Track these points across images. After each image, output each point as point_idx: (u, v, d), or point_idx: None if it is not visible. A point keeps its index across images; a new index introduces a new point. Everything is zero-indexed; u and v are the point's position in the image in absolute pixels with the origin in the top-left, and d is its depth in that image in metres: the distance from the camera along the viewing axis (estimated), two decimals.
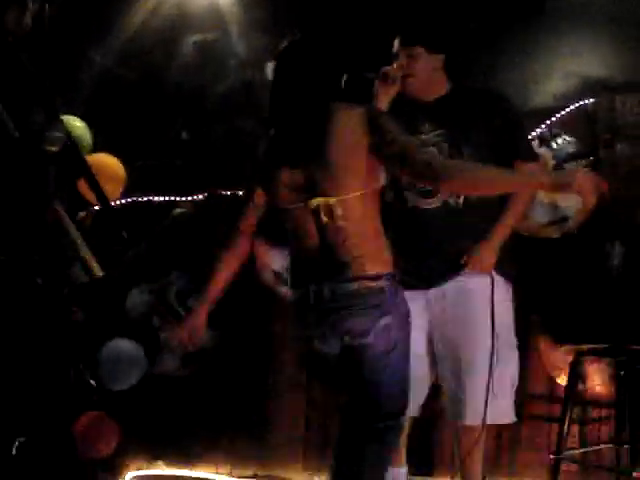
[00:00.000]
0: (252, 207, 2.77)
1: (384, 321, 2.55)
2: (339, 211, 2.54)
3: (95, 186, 3.25)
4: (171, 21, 4.55)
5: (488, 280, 3.13)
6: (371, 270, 2.57)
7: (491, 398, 3.12)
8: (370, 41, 3.67)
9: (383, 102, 3.23)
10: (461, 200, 3.19)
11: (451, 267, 3.15)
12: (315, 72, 2.64)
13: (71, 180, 3.23)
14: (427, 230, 3.19)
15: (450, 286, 3.16)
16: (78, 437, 3.81)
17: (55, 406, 3.56)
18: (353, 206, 2.55)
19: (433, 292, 3.17)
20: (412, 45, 3.25)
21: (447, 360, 3.19)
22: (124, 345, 3.93)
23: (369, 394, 2.60)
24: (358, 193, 2.55)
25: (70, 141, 3.12)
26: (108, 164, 4.04)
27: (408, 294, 2.72)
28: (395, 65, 3.25)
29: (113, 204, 4.21)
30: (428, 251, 3.16)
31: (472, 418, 3.17)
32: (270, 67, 2.74)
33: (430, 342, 3.20)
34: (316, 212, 2.56)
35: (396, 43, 3.30)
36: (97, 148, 4.24)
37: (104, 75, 4.56)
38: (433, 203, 3.22)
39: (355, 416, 2.65)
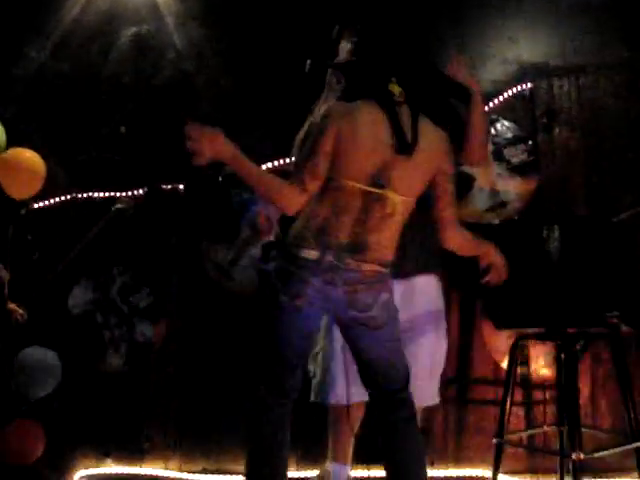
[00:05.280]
0: (323, 168, 2.71)
1: (384, 297, 2.77)
2: (400, 208, 2.73)
3: None
4: (106, 14, 4.48)
5: (432, 281, 3.34)
6: (387, 257, 2.78)
7: (427, 381, 3.29)
8: (318, 34, 3.67)
9: (337, 92, 3.27)
10: None
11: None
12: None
13: None
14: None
15: (398, 285, 3.18)
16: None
17: None
18: (407, 208, 2.77)
19: None
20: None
21: None
22: (38, 353, 3.90)
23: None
24: (415, 199, 2.79)
25: None
26: (23, 159, 3.97)
27: None
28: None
29: (52, 202, 4.18)
30: None
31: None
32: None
33: None
34: (380, 200, 2.69)
35: (346, 34, 3.33)
36: (35, 145, 4.19)
37: (40, 70, 4.48)
38: None
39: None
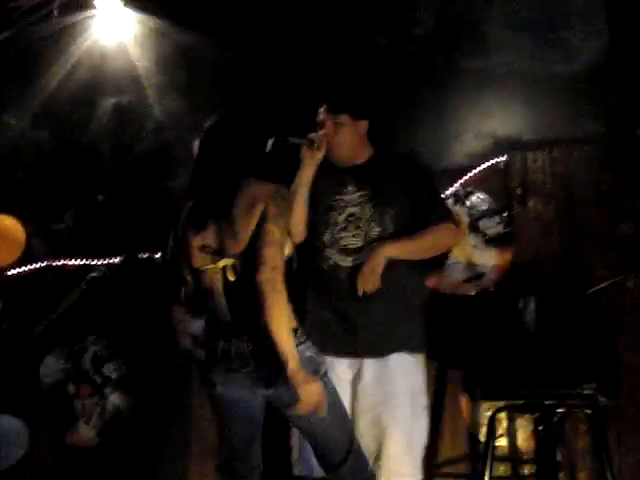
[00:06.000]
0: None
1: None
2: (239, 270, 2.75)
3: None
4: (87, 84, 4.53)
5: (409, 362, 3.28)
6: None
7: (402, 457, 3.22)
8: (295, 108, 3.74)
9: (309, 167, 3.32)
10: None
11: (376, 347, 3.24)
12: (234, 148, 2.85)
13: None
14: (348, 288, 3.22)
15: (371, 362, 3.23)
16: None
17: None
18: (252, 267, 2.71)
19: (355, 361, 3.27)
20: (337, 113, 3.33)
21: (366, 426, 3.22)
22: (4, 422, 3.81)
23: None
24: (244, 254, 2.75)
25: None
26: (4, 226, 3.96)
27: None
28: (321, 132, 3.31)
29: (26, 269, 4.16)
30: (354, 318, 3.24)
31: (388, 476, 3.22)
32: (196, 145, 2.90)
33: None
34: (223, 272, 2.76)
35: (321, 110, 3.37)
36: (10, 211, 4.17)
37: (19, 138, 4.50)
38: (354, 261, 3.26)
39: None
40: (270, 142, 3.15)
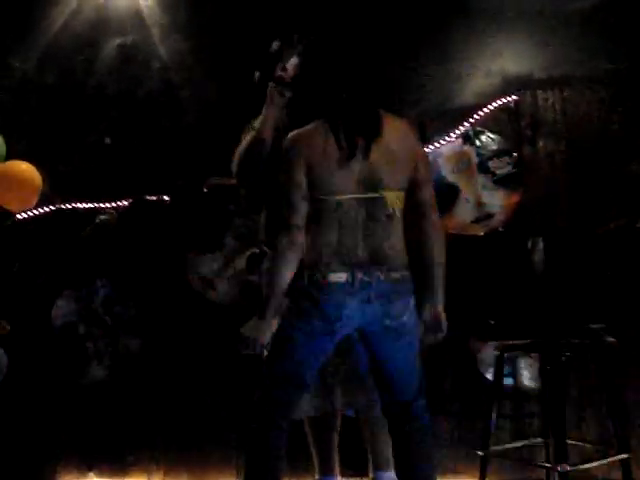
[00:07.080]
0: (301, 199, 2.73)
1: (412, 302, 2.81)
2: (398, 204, 2.76)
3: None
4: (92, 25, 4.47)
5: None
6: (405, 260, 2.80)
7: None
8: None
9: (278, 105, 3.25)
10: None
11: None
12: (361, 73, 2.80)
13: None
14: None
15: None
16: None
17: None
18: (402, 204, 2.79)
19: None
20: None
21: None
22: None
23: (407, 370, 2.85)
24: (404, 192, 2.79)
25: None
26: (20, 172, 3.94)
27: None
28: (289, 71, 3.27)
29: (36, 212, 4.16)
30: None
31: None
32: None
33: None
34: (379, 203, 2.72)
35: (291, 50, 3.31)
36: (18, 155, 4.16)
37: (24, 80, 4.46)
38: None
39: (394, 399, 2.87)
40: (256, 76, 3.15)
